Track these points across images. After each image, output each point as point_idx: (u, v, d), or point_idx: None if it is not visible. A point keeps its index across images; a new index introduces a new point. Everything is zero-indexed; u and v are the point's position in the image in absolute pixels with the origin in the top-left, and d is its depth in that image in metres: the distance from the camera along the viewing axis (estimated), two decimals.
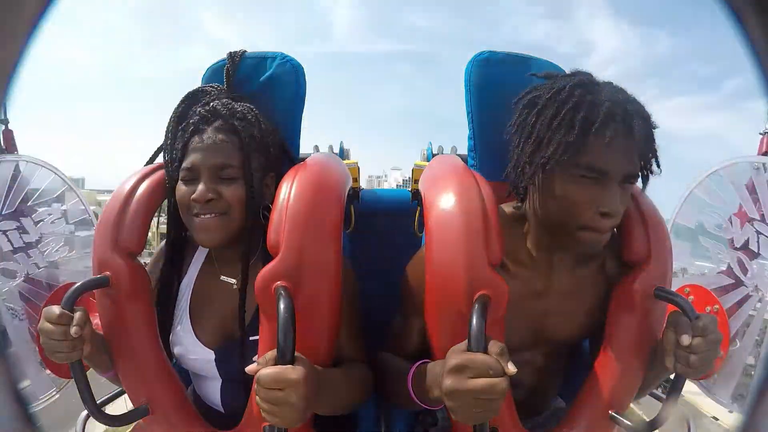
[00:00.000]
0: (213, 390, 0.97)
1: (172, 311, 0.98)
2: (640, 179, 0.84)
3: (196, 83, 1.07)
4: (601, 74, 0.82)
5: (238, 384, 0.92)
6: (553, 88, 0.82)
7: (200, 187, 0.86)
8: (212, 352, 0.93)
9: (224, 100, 0.94)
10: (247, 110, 0.93)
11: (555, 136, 0.78)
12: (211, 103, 0.92)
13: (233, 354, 0.91)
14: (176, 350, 0.96)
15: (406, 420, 1.11)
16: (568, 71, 0.90)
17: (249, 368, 0.71)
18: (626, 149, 0.77)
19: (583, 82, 0.80)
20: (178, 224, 0.95)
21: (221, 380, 0.96)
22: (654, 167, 0.83)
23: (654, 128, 0.80)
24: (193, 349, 0.94)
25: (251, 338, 0.90)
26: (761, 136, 1.69)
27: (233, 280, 0.96)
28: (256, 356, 0.86)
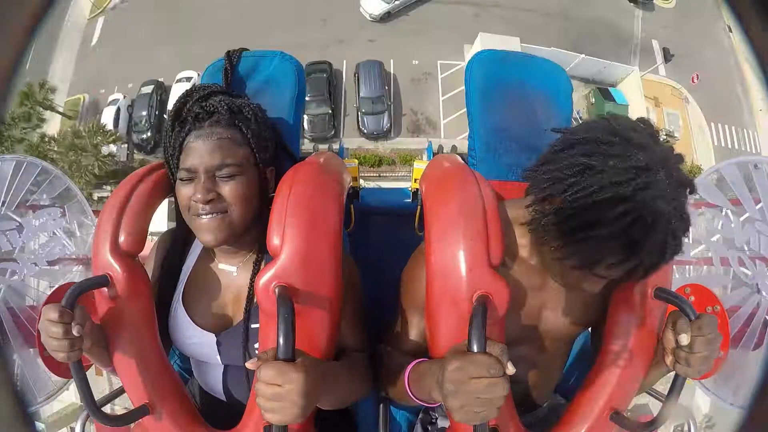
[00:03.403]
0: (215, 377, 0.98)
1: (171, 298, 0.98)
2: None
3: None
4: None
5: (239, 370, 0.92)
6: (604, 188, 0.67)
7: (199, 188, 0.86)
8: (212, 335, 0.94)
9: (220, 96, 0.93)
10: (244, 105, 0.93)
11: (578, 249, 0.71)
12: (209, 99, 0.92)
13: (235, 339, 0.91)
14: (174, 336, 0.96)
15: (406, 420, 1.11)
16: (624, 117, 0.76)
17: (249, 363, 0.71)
18: (652, 270, 0.72)
19: (646, 186, 0.66)
20: (182, 217, 0.95)
21: (223, 366, 0.96)
22: None
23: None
24: (190, 333, 0.94)
25: (253, 326, 0.90)
26: None
27: (233, 268, 0.96)
28: (257, 344, 0.87)
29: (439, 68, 13.03)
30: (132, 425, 0.91)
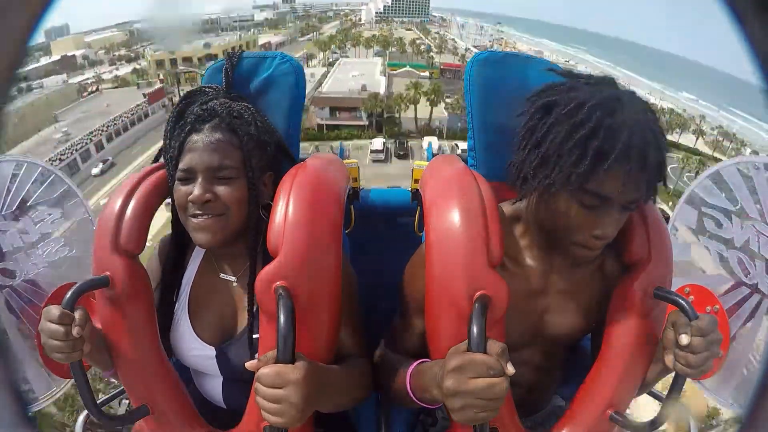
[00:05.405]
0: (215, 388, 0.98)
1: (173, 308, 0.98)
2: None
3: None
4: None
5: (240, 382, 0.92)
6: (571, 102, 0.75)
7: (197, 187, 0.86)
8: (212, 348, 0.93)
9: (222, 100, 0.94)
10: (245, 109, 0.93)
11: (564, 160, 0.74)
12: (209, 103, 0.92)
13: (235, 352, 0.91)
14: (175, 347, 0.96)
15: (406, 420, 1.11)
16: (586, 71, 0.88)
17: (249, 364, 0.71)
18: (635, 180, 0.74)
19: (604, 101, 0.74)
20: (180, 222, 0.95)
21: (222, 378, 0.96)
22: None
23: (667, 153, 0.77)
24: (192, 346, 0.94)
25: (255, 336, 0.89)
26: None
27: (233, 278, 0.96)
28: (257, 354, 0.87)
29: None
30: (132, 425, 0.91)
